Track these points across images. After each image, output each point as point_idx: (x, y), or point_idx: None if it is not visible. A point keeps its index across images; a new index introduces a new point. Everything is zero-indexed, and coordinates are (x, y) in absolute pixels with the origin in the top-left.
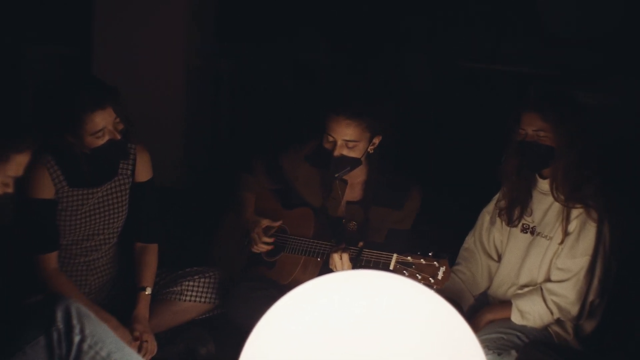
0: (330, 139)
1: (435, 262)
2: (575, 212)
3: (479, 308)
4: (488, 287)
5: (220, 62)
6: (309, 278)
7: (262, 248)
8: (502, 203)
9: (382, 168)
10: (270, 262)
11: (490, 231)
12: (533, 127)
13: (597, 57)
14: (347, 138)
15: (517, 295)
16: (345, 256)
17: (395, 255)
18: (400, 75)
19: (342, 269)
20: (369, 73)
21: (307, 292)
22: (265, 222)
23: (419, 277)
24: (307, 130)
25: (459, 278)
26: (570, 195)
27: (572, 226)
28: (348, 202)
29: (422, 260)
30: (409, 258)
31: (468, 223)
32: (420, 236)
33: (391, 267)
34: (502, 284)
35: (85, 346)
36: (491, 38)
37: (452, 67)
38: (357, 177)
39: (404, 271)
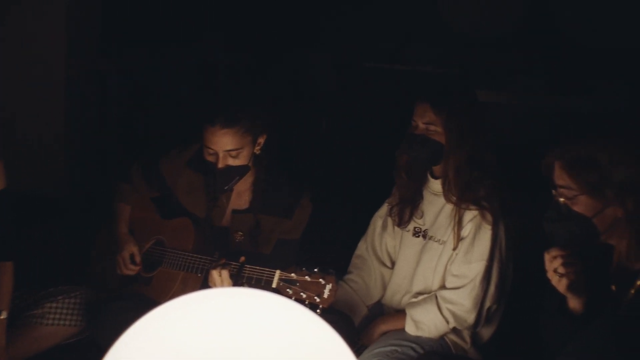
0: (211, 151)
1: (321, 280)
2: (468, 215)
3: (373, 319)
4: (382, 296)
5: (106, 64)
6: None
7: (127, 273)
8: (393, 201)
9: (271, 172)
10: (146, 278)
11: (382, 236)
12: (424, 120)
13: (501, 56)
14: (228, 148)
15: (411, 305)
16: (225, 273)
17: (278, 272)
18: (303, 77)
19: (222, 287)
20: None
21: (163, 312)
22: (132, 250)
23: (304, 295)
24: (190, 134)
25: (351, 288)
26: (462, 196)
27: (467, 230)
28: (234, 211)
29: (307, 277)
30: (292, 275)
31: (362, 231)
32: (310, 247)
33: (274, 285)
34: (396, 292)
35: None
36: (394, 39)
37: (356, 67)
38: (243, 183)
39: (287, 289)
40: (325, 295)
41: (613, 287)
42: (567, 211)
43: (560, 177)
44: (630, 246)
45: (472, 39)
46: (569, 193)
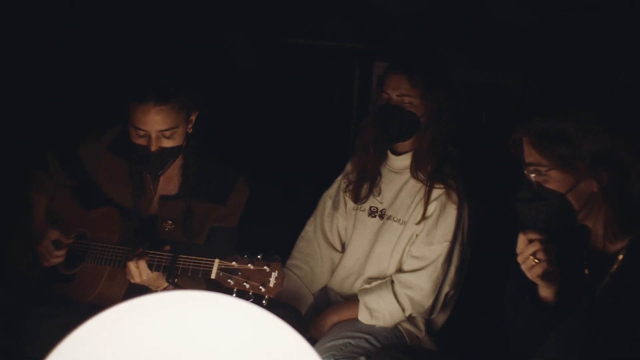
0: (141, 132)
1: (265, 267)
2: (434, 193)
3: (320, 307)
4: (330, 281)
5: (7, 43)
6: (117, 293)
7: (54, 262)
8: (351, 176)
9: (202, 154)
10: (68, 276)
11: (333, 217)
12: (398, 92)
13: (421, 31)
14: (162, 127)
15: (365, 291)
16: (142, 263)
17: (217, 261)
18: (221, 54)
19: (141, 280)
20: (184, 52)
21: (99, 323)
22: (55, 234)
23: (247, 285)
24: (110, 115)
25: (295, 274)
26: (434, 171)
27: (431, 209)
28: (162, 197)
29: (249, 265)
30: (233, 263)
31: (303, 216)
32: (248, 235)
33: (213, 276)
34: (347, 277)
35: None
36: (314, 15)
37: (275, 44)
38: (172, 167)
39: (229, 280)
40: (271, 284)
41: (586, 272)
42: (540, 189)
43: (530, 154)
44: (607, 225)
45: (392, 14)
46: (540, 170)
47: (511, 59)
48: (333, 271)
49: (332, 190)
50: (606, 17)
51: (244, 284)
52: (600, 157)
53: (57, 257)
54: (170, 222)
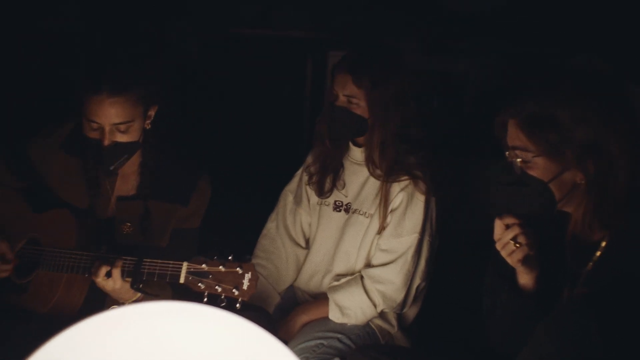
0: (95, 125)
1: (238, 269)
2: (398, 185)
3: (287, 307)
4: (296, 280)
5: None
6: (76, 301)
7: (1, 274)
8: (313, 169)
9: (161, 151)
10: (21, 285)
11: (295, 213)
12: (344, 91)
13: (371, 18)
14: (117, 120)
15: (334, 288)
16: (117, 272)
17: (185, 265)
18: (167, 45)
19: (113, 287)
20: (131, 42)
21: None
22: (2, 248)
23: (219, 289)
24: (60, 111)
25: (260, 274)
26: (389, 172)
27: (397, 200)
28: (120, 198)
29: (220, 267)
30: (203, 266)
31: (263, 213)
32: (213, 236)
33: (182, 280)
34: (314, 274)
35: None
36: (263, 3)
37: (222, 34)
38: (130, 165)
39: (199, 284)
40: (245, 287)
41: (567, 259)
42: (522, 175)
43: (516, 137)
44: (589, 214)
45: (340, 2)
46: (525, 155)
47: (463, 46)
48: (299, 269)
49: (293, 184)
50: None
51: (216, 287)
52: (591, 148)
53: (4, 271)
54: (129, 224)
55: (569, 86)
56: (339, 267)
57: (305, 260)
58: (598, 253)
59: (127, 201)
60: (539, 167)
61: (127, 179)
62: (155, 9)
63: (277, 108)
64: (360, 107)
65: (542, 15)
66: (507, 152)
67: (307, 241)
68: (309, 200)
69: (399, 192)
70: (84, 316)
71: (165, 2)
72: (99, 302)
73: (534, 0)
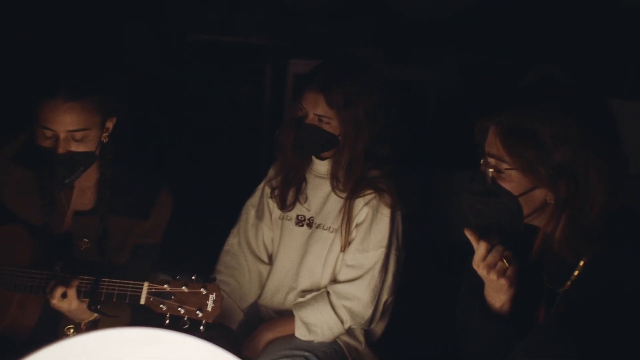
0: (49, 133)
1: (202, 289)
2: (363, 199)
3: (250, 324)
4: (259, 296)
5: None
6: (29, 322)
7: None
8: (275, 182)
9: (120, 164)
10: None
11: (258, 228)
12: (316, 111)
13: (333, 26)
14: (72, 127)
15: (299, 305)
16: (72, 292)
17: (146, 285)
18: (123, 52)
19: (69, 308)
20: (87, 47)
21: None
22: None
23: (182, 311)
24: (10, 122)
25: (223, 291)
26: (353, 190)
27: (362, 215)
28: (77, 213)
29: (183, 287)
30: (165, 286)
31: (224, 226)
32: (174, 251)
33: (142, 301)
34: (278, 291)
35: None
36: (221, 9)
37: (180, 40)
38: (87, 179)
39: (161, 305)
40: (209, 308)
41: (545, 280)
42: (493, 186)
43: (494, 145)
44: (563, 235)
45: (302, 9)
46: (499, 165)
47: (423, 55)
48: (262, 285)
49: (255, 198)
50: (515, 10)
51: (179, 309)
52: (565, 169)
53: None
54: (87, 240)
55: (554, 101)
56: (304, 283)
57: (268, 276)
58: (576, 272)
59: (84, 216)
60: (511, 180)
61: (84, 193)
62: (112, 11)
63: (234, 116)
64: (332, 125)
65: (501, 25)
66: (481, 159)
67: (270, 257)
68: (271, 215)
69: (364, 206)
70: (37, 338)
71: (123, 8)
72: (54, 322)
73: (494, 9)
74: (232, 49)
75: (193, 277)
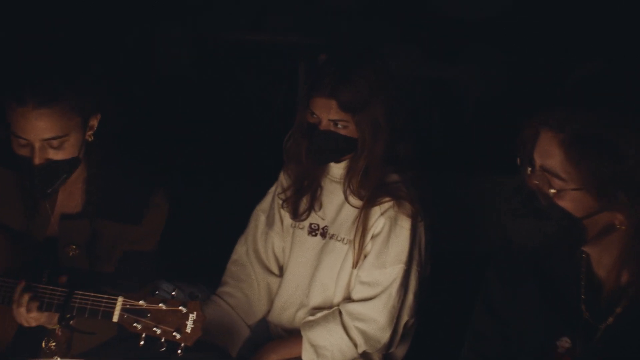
0: (23, 142)
1: (181, 308)
2: (379, 207)
3: (259, 342)
4: (269, 312)
5: None
6: (7, 334)
7: None
8: (287, 192)
9: (111, 164)
10: None
11: (267, 236)
12: (329, 116)
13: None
14: (47, 136)
15: (308, 324)
16: (34, 305)
17: (120, 300)
18: (153, 52)
19: (38, 321)
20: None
21: None
22: None
23: (158, 331)
24: None
25: (228, 304)
26: (372, 197)
27: (379, 226)
28: (63, 216)
29: (161, 305)
30: (141, 303)
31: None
32: (175, 261)
33: (115, 318)
34: (287, 307)
35: None
36: (255, 8)
37: (214, 39)
38: (74, 180)
39: (135, 324)
40: (189, 329)
41: (584, 310)
42: (548, 205)
43: (552, 157)
44: (622, 261)
45: (338, 8)
46: (559, 184)
47: (463, 53)
48: (272, 299)
49: (265, 203)
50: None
51: (154, 329)
52: None
53: None
54: (75, 246)
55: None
56: (315, 300)
57: (277, 290)
58: (619, 309)
59: (71, 220)
60: (571, 200)
61: (72, 195)
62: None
63: (264, 117)
64: (349, 128)
65: (543, 24)
66: (527, 169)
67: (281, 268)
68: (282, 222)
69: (380, 216)
70: (16, 352)
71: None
72: (34, 337)
73: (535, 8)
74: (264, 49)
75: (173, 294)
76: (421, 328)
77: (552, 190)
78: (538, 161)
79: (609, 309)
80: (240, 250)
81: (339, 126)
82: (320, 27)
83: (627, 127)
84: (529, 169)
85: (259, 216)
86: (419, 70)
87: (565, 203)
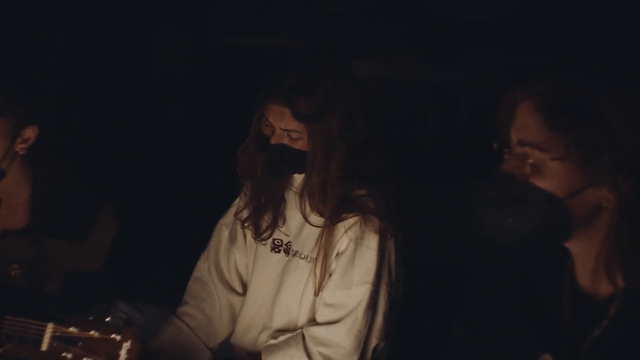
0: None
1: (114, 335)
2: (344, 224)
3: None
4: (232, 334)
5: None
6: None
7: None
8: (246, 211)
9: (55, 177)
10: None
11: (230, 252)
12: (282, 124)
13: (366, 26)
14: None
15: (269, 348)
16: None
17: (50, 327)
18: (144, 55)
19: None
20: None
21: None
22: None
23: None
24: None
25: (187, 325)
26: (334, 214)
27: (344, 243)
28: (5, 233)
29: (93, 332)
30: (72, 330)
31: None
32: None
33: (44, 347)
34: (250, 328)
35: None
36: (251, 10)
37: (206, 42)
38: (16, 194)
39: (65, 353)
40: (122, 359)
41: (568, 324)
42: (524, 188)
43: (529, 127)
44: (607, 255)
45: (335, 9)
46: (537, 155)
47: (460, 55)
48: (234, 320)
49: (229, 217)
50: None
51: (85, 359)
52: (635, 161)
53: None
54: (16, 265)
55: (621, 71)
56: (278, 322)
57: (240, 310)
58: (612, 310)
59: (13, 237)
60: (553, 176)
61: (14, 210)
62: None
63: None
64: (304, 140)
65: (542, 26)
66: (504, 151)
67: (245, 286)
68: (245, 237)
69: (344, 233)
70: None
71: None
72: None
73: (534, 10)
74: (261, 51)
75: (107, 320)
76: (397, 346)
77: (532, 165)
78: (515, 137)
79: (594, 320)
80: (202, 266)
81: (293, 137)
82: (319, 28)
83: (609, 90)
84: (506, 150)
85: (222, 231)
86: (418, 71)
87: (546, 182)
